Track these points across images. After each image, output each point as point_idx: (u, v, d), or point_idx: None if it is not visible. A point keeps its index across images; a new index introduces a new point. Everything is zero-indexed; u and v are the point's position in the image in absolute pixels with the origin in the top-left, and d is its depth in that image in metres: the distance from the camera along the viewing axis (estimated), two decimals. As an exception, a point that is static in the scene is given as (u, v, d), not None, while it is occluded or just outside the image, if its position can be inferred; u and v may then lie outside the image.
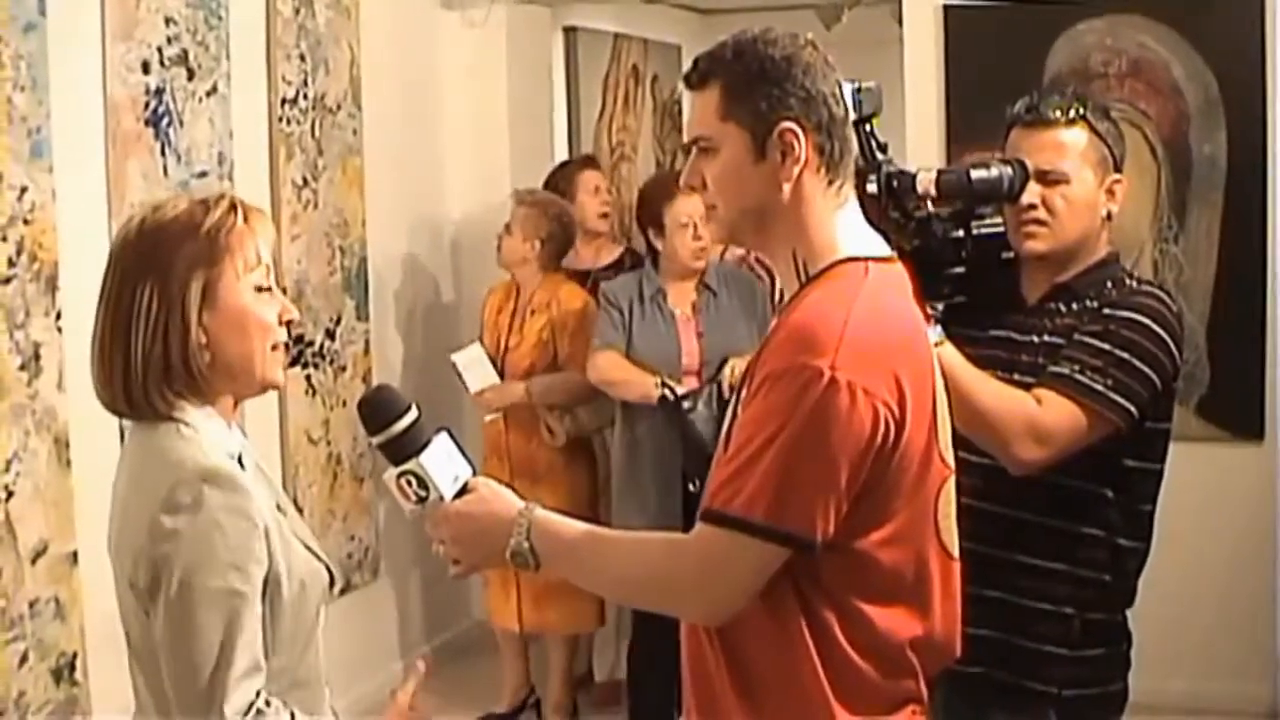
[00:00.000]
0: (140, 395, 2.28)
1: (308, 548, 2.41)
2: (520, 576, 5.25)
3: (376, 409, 2.38)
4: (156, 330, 2.26)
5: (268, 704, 2.23)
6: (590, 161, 6.14)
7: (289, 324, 2.40)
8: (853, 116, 2.75)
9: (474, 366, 5.49)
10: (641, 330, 5.09)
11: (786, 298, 2.31)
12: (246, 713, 2.20)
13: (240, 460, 2.36)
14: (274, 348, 2.37)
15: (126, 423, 2.37)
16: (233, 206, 2.33)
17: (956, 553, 2.34)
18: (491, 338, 5.54)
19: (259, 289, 2.34)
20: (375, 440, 2.36)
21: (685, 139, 2.35)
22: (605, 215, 5.91)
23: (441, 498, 2.35)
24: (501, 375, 5.44)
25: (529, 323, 5.45)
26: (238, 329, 2.32)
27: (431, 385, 5.69)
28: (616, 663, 5.81)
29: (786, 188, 2.24)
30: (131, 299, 2.27)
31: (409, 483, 2.34)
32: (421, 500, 2.35)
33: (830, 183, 2.27)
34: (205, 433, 2.30)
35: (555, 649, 5.56)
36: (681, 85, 2.36)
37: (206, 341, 2.29)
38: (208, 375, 2.31)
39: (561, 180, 5.85)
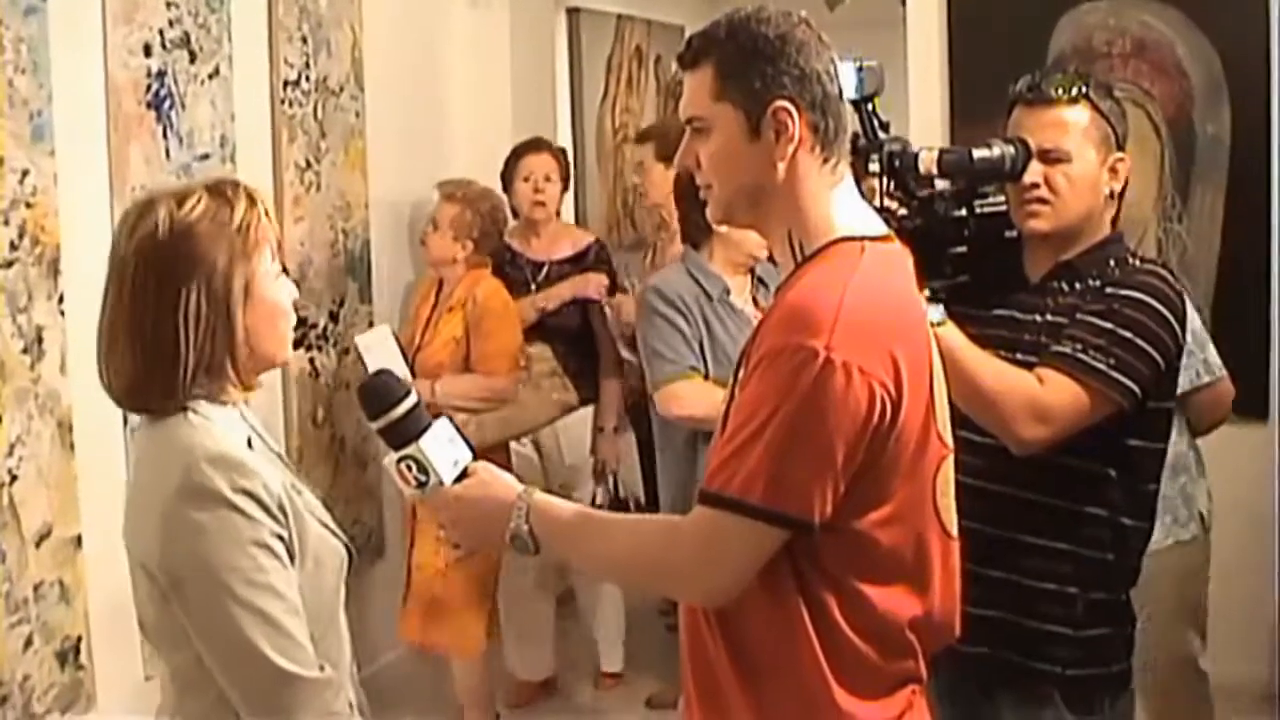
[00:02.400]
0: (177, 394, 2.29)
1: (324, 525, 2.42)
2: (414, 588, 5.09)
3: (376, 394, 2.39)
4: (208, 331, 2.28)
5: (321, 668, 2.27)
6: (534, 146, 5.77)
7: (294, 304, 2.43)
8: (854, 95, 2.76)
9: (377, 349, 5.18)
10: (728, 342, 4.17)
11: (783, 277, 2.31)
12: (313, 667, 2.25)
13: (250, 443, 2.37)
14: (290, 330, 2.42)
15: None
16: (251, 199, 2.35)
17: (955, 532, 2.35)
18: (408, 333, 5.33)
19: (277, 277, 2.38)
20: (375, 425, 2.38)
21: (681, 119, 2.35)
22: (542, 204, 5.64)
23: (441, 482, 2.36)
24: (413, 373, 5.14)
25: (444, 319, 5.18)
26: (269, 321, 2.35)
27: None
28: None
29: (781, 167, 2.24)
30: (177, 300, 2.27)
31: (409, 467, 2.35)
32: (422, 485, 2.36)
33: (825, 161, 2.27)
34: (215, 418, 2.31)
35: (456, 668, 5.25)
36: (675, 65, 2.36)
37: (246, 335, 2.32)
38: (246, 366, 2.34)
39: (506, 166, 5.69)
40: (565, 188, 5.80)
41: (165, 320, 2.27)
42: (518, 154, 5.69)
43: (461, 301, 5.14)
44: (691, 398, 4.13)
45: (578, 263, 5.64)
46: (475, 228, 5.17)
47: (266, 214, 2.36)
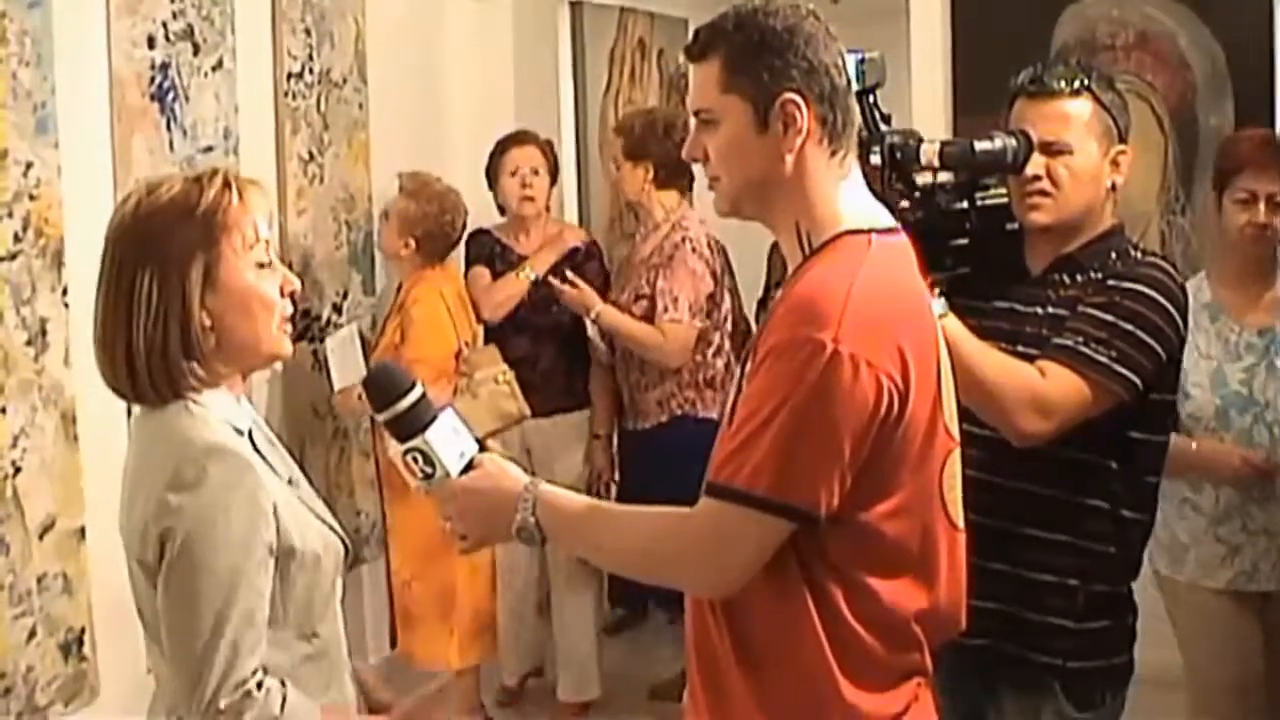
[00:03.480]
0: (145, 381, 2.29)
1: (321, 520, 2.42)
2: (394, 595, 5.07)
3: (381, 386, 2.38)
4: (158, 317, 2.26)
5: (260, 685, 2.24)
6: (519, 138, 5.57)
7: (292, 295, 2.41)
8: (856, 87, 2.75)
9: (339, 351, 5.01)
10: None
11: (790, 270, 2.31)
12: (234, 691, 2.21)
13: (251, 435, 2.36)
14: (280, 323, 2.38)
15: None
16: (227, 184, 2.32)
17: (962, 524, 2.35)
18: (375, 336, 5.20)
19: (260, 265, 2.35)
20: (381, 417, 2.37)
21: (689, 110, 2.35)
22: (530, 199, 5.44)
23: (448, 474, 2.35)
24: None
25: (389, 322, 5.07)
26: (242, 309, 2.32)
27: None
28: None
29: (789, 159, 2.25)
30: (131, 286, 2.27)
31: (415, 459, 2.35)
32: (428, 477, 2.36)
33: (833, 154, 2.27)
34: (213, 409, 2.31)
35: (443, 677, 5.17)
36: (683, 57, 2.36)
37: (211, 324, 2.29)
38: (212, 357, 2.31)
39: (491, 160, 5.54)
40: (554, 181, 5.62)
41: (121, 306, 2.27)
42: (503, 147, 5.52)
43: (401, 305, 5.04)
44: None
45: (570, 257, 5.49)
46: (419, 226, 5.02)
47: (242, 198, 2.33)
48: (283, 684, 2.28)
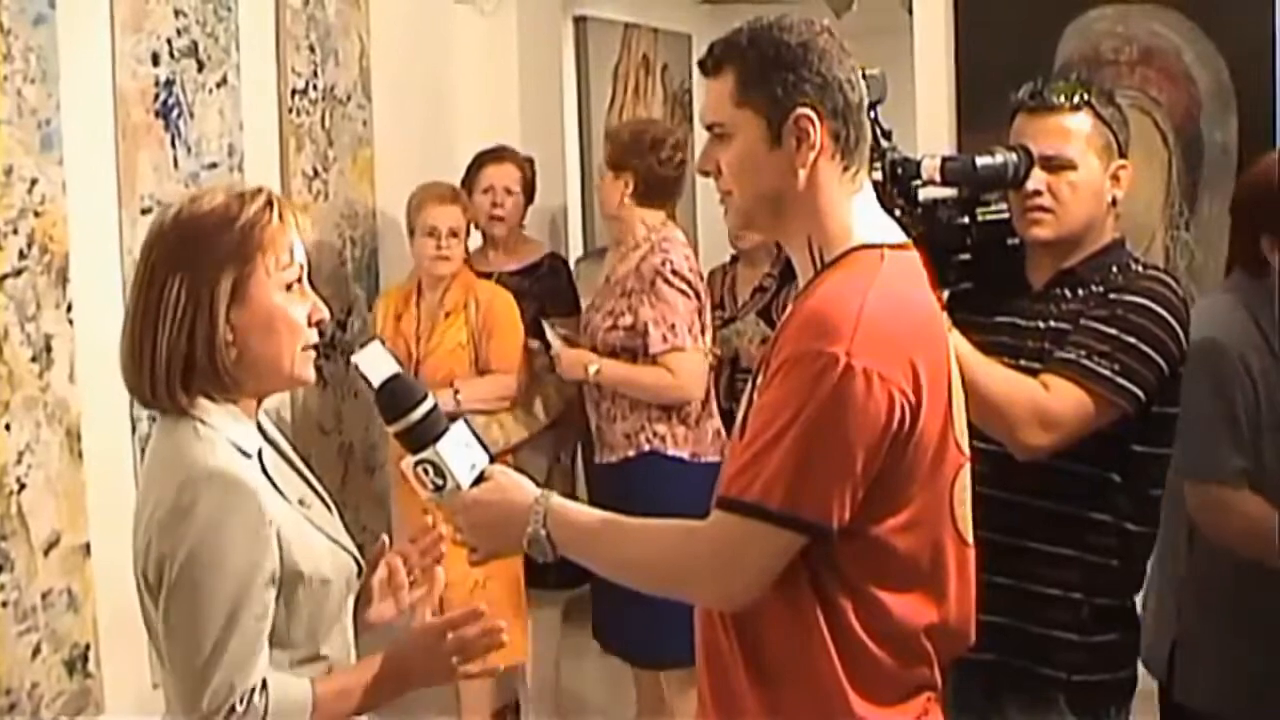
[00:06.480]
0: (163, 389, 2.29)
1: (334, 540, 2.42)
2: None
3: (393, 398, 2.41)
4: (183, 324, 2.27)
5: (243, 701, 2.24)
6: (497, 155, 5.50)
7: (319, 324, 2.40)
8: (861, 102, 2.76)
9: (378, 365, 4.95)
10: None
11: (802, 284, 2.32)
12: (218, 712, 2.22)
13: (261, 456, 2.36)
14: (304, 348, 2.39)
15: (141, 414, 2.38)
16: (269, 203, 2.34)
17: (971, 540, 2.36)
18: (397, 348, 4.98)
19: (289, 287, 2.35)
20: (393, 429, 2.40)
21: (702, 125, 2.36)
22: (499, 219, 5.40)
23: (458, 486, 2.37)
24: None
25: (443, 327, 5.02)
26: (265, 328, 2.33)
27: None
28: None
29: (802, 174, 2.25)
30: (160, 291, 2.27)
31: (426, 471, 2.37)
32: (439, 488, 2.38)
33: (845, 169, 2.28)
34: (223, 431, 2.31)
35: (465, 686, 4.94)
36: (698, 71, 2.37)
37: (234, 339, 2.30)
38: (233, 372, 2.32)
39: (467, 175, 5.48)
40: (529, 199, 5.53)
41: (149, 311, 2.28)
42: (480, 163, 5.47)
43: (460, 305, 5.02)
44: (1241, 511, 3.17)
45: (533, 273, 5.46)
46: (471, 222, 5.15)
47: (281, 219, 2.34)
48: (264, 685, 2.27)
